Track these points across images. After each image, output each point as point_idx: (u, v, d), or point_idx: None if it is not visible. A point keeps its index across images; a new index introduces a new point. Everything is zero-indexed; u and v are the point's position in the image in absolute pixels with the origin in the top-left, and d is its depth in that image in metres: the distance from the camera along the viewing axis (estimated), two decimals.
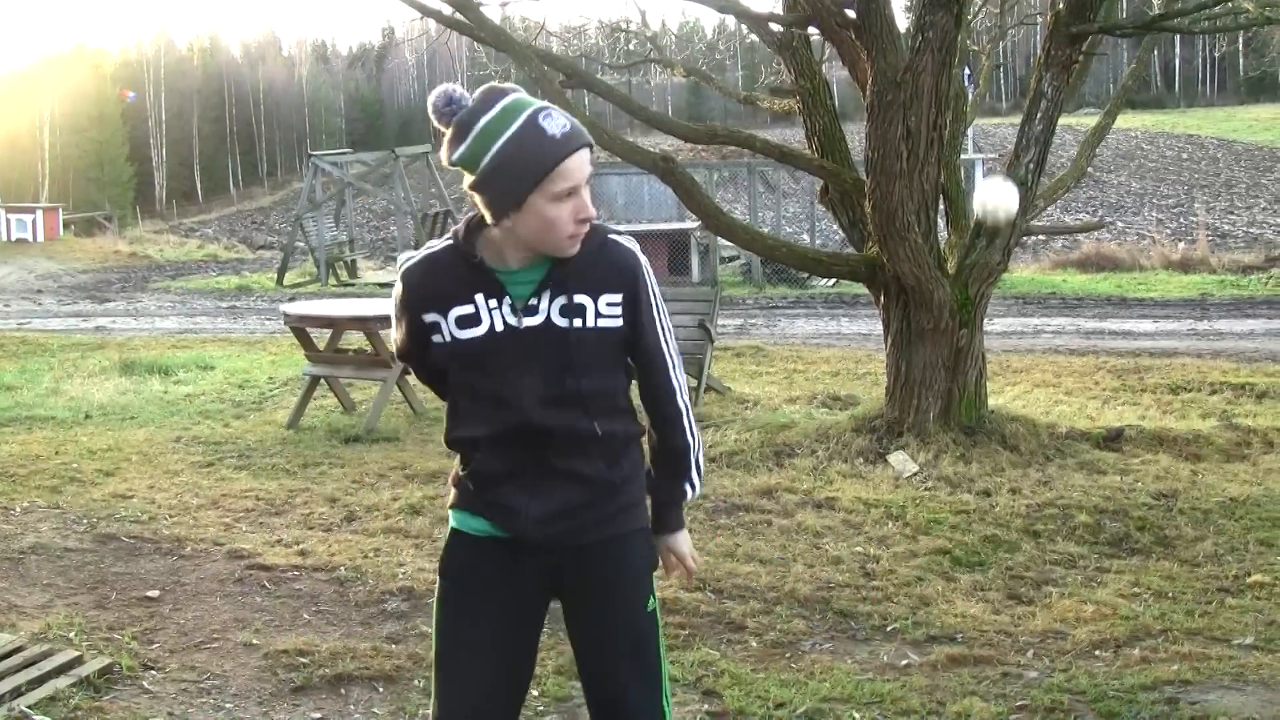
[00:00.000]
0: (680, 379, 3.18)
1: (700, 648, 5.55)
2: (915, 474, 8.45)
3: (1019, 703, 5.00)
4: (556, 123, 2.85)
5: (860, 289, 9.56)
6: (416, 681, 5.27)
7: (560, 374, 2.99)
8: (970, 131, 18.16)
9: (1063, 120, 9.30)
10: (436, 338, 3.02)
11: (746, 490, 8.22)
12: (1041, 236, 29.88)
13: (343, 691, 5.20)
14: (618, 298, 3.00)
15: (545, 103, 2.90)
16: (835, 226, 11.40)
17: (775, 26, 10.08)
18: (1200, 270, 24.40)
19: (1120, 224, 36.64)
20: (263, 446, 10.09)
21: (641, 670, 3.13)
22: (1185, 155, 55.98)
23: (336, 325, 11.59)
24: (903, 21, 10.22)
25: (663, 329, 3.11)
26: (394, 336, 3.17)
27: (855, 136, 9.83)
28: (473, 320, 2.97)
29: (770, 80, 15.69)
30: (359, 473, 9.06)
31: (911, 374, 9.07)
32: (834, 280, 21.68)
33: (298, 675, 5.31)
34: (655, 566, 3.20)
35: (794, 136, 17.04)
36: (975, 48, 14.94)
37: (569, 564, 3.07)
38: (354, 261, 31.09)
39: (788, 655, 5.61)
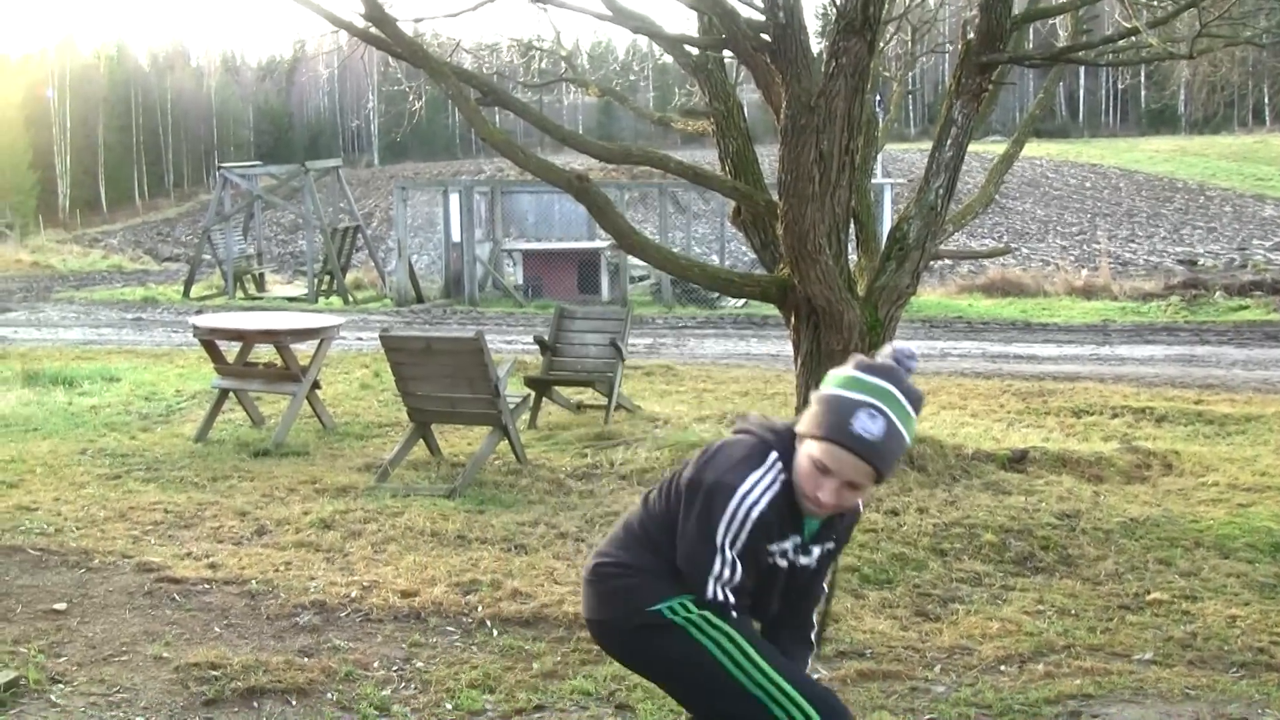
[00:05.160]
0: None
1: (613, 663, 5.57)
2: None
3: (927, 716, 5.10)
4: (868, 425, 3.16)
5: (769, 310, 9.65)
6: (329, 695, 5.27)
7: (791, 590, 3.51)
8: (880, 156, 18.41)
9: (970, 148, 9.46)
10: (769, 560, 3.36)
11: None
12: (948, 261, 30.28)
13: (255, 704, 5.19)
14: (833, 544, 3.52)
15: (891, 410, 3.18)
16: (745, 248, 11.51)
17: (691, 49, 10.17)
18: (1102, 297, 24.83)
19: (1025, 250, 37.18)
20: (170, 459, 10.00)
21: None
22: (1088, 184, 56.94)
23: (246, 338, 11.51)
24: (817, 46, 10.34)
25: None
26: (728, 565, 3.29)
27: (767, 159, 9.90)
28: (783, 554, 3.38)
29: (683, 101, 15.77)
30: (269, 486, 9.00)
31: None
32: (743, 301, 21.83)
33: (209, 688, 5.28)
34: None
35: (704, 158, 17.23)
36: (887, 74, 15.12)
37: None
38: (262, 275, 30.82)
39: None
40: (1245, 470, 9.56)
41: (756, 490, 3.23)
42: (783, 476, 3.25)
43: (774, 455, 3.27)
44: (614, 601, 3.49)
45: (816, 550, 3.42)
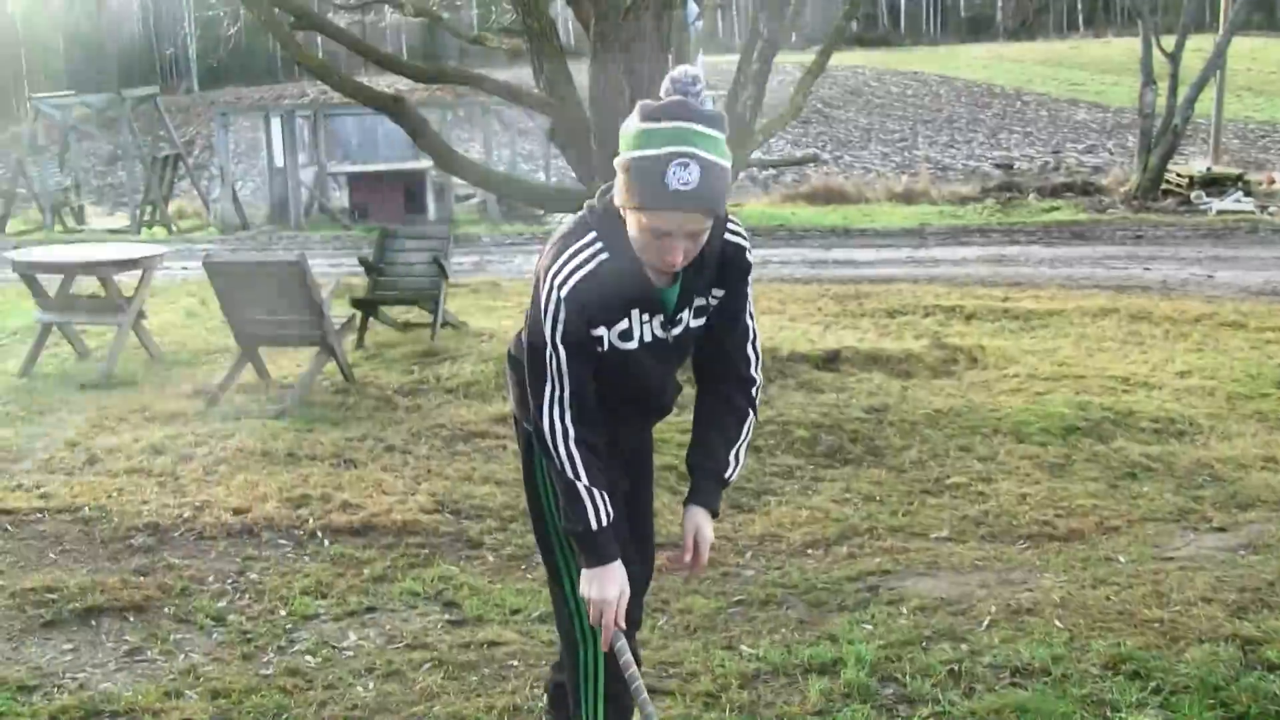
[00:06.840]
0: (758, 352, 3.45)
1: (440, 564, 5.83)
2: None
3: (736, 598, 5.43)
4: (682, 177, 2.93)
5: None
6: (166, 609, 5.44)
7: (678, 359, 3.41)
8: (702, 66, 18.55)
9: (794, 59, 9.75)
10: (597, 348, 3.18)
11: (482, 418, 8.50)
12: (772, 171, 30.74)
13: (93, 623, 5.34)
14: (722, 291, 3.29)
15: (697, 149, 2.95)
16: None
17: None
18: (921, 202, 25.45)
19: (848, 158, 37.78)
20: None
21: None
22: (910, 92, 57.82)
23: (68, 271, 11.42)
24: None
25: (750, 301, 3.37)
26: (562, 348, 3.12)
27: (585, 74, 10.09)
28: (627, 335, 3.20)
29: (500, 20, 15.84)
30: (98, 416, 9.01)
31: None
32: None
33: (47, 610, 5.42)
34: None
35: (530, 76, 17.33)
36: None
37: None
38: (81, 207, 30.16)
39: (523, 567, 5.94)
40: (1045, 361, 10.08)
41: (565, 270, 3.07)
42: (603, 256, 3.08)
43: (592, 233, 3.11)
44: (521, 453, 3.52)
45: (687, 313, 3.25)
